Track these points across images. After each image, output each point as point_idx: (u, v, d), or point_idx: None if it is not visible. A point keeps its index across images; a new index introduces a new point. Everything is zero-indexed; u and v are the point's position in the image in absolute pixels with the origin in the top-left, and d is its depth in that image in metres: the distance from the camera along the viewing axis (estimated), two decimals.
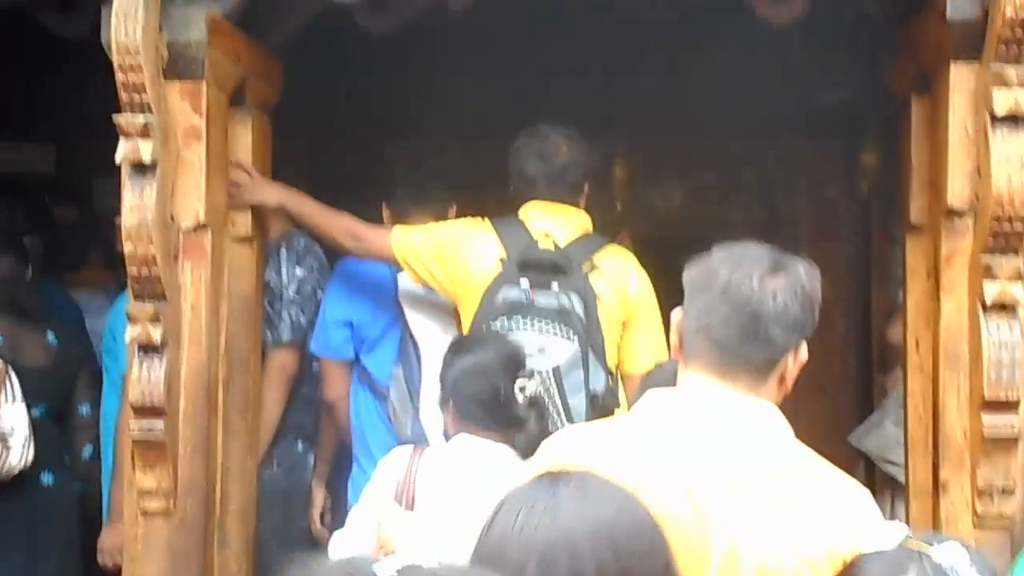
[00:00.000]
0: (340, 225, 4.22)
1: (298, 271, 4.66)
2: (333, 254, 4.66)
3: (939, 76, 3.69)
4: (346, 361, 4.53)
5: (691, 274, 2.31)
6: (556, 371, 3.66)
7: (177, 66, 3.77)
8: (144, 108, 3.60)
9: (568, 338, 3.68)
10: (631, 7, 5.44)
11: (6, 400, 4.35)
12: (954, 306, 3.70)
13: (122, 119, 3.60)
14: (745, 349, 2.22)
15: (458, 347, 3.66)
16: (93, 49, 3.90)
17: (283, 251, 4.66)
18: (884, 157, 5.76)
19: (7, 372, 4.36)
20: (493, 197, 4.67)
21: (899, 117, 4.11)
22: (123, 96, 3.60)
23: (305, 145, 5.77)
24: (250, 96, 4.18)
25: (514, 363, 3.53)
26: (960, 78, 3.57)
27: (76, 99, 5.65)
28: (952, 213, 3.66)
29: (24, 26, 4.30)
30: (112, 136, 3.72)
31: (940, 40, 3.61)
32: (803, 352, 2.28)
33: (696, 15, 5.22)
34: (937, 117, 3.76)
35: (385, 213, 4.53)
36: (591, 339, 3.70)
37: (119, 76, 3.58)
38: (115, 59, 3.57)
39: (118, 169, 3.70)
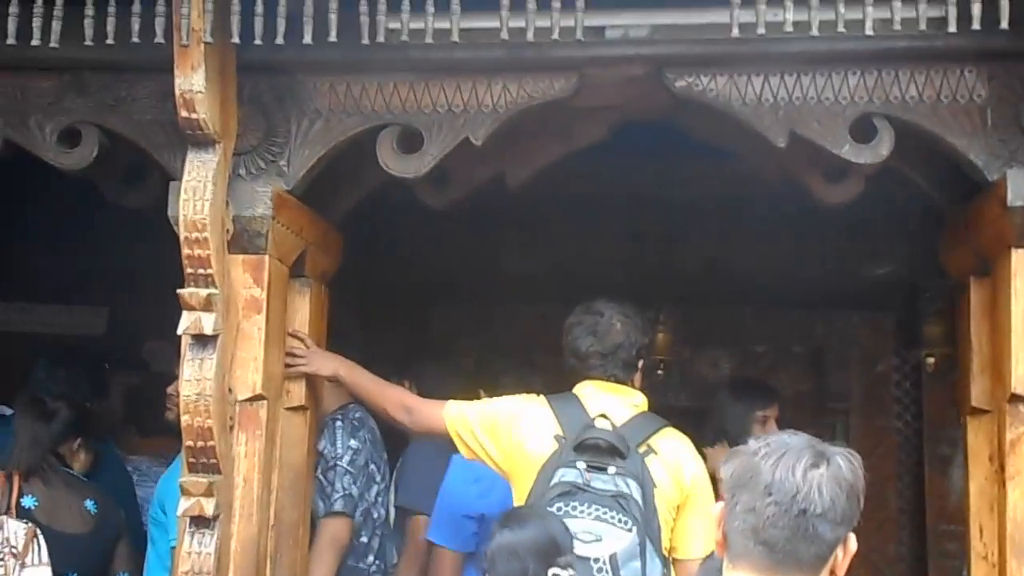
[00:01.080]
0: (393, 397, 4.21)
1: (352, 442, 4.65)
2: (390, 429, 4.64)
3: (1000, 261, 3.68)
4: (468, 553, 4.48)
5: (731, 469, 2.27)
6: (613, 559, 3.58)
7: (241, 240, 3.83)
8: (208, 282, 3.65)
9: (626, 527, 3.61)
10: (685, 184, 5.53)
11: (32, 563, 4.31)
12: (1020, 493, 3.62)
13: (186, 292, 3.65)
14: (794, 548, 2.18)
15: (503, 521, 3.61)
16: (148, 215, 4.01)
17: (339, 422, 4.66)
18: (938, 333, 5.74)
19: (35, 535, 4.33)
20: (540, 364, 4.68)
21: (958, 299, 4.09)
22: (188, 270, 3.66)
23: (356, 311, 5.82)
24: (309, 267, 4.23)
25: (552, 548, 3.46)
26: (1022, 264, 3.56)
27: (129, 263, 5.77)
28: (1016, 398, 3.61)
29: (84, 193, 4.40)
30: (164, 299, 3.78)
31: (1001, 226, 3.62)
32: (852, 543, 2.24)
33: (748, 191, 5.29)
34: (997, 301, 3.74)
35: (406, 385, 4.57)
36: (648, 527, 3.63)
37: (185, 250, 3.64)
38: (182, 234, 3.63)
39: (176, 338, 3.73)
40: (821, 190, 4.19)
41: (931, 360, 6.08)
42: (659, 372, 6.50)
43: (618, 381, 4.02)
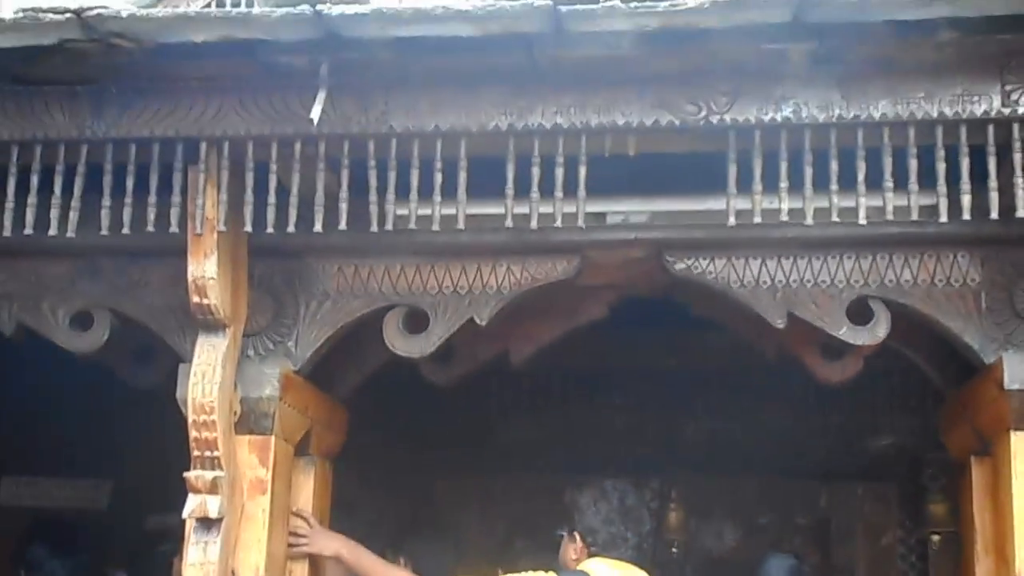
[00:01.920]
0: None
1: None
2: None
3: (999, 442, 3.72)
4: None
5: None
6: None
7: (248, 421, 3.88)
8: (214, 464, 3.68)
9: None
10: (685, 355, 5.60)
11: None
12: None
13: (192, 476, 3.68)
14: None
15: None
16: (156, 392, 4.06)
17: None
18: (942, 512, 5.72)
19: None
20: (545, 536, 4.66)
21: (959, 478, 4.11)
22: (194, 452, 3.69)
23: (358, 485, 5.81)
24: (315, 445, 4.26)
25: None
26: (1021, 446, 3.59)
27: (133, 438, 5.78)
28: None
29: (91, 368, 4.45)
30: (167, 474, 3.80)
31: (999, 408, 3.67)
32: None
33: (748, 362, 5.34)
34: (999, 482, 3.76)
35: (400, 563, 4.55)
36: None
37: (192, 433, 3.68)
38: (190, 416, 3.68)
39: (179, 518, 3.74)
40: (820, 369, 4.26)
41: (936, 538, 6.04)
42: (673, 551, 6.41)
43: (628, 561, 4.03)
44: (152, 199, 3.55)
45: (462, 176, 3.57)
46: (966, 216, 3.32)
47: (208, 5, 5.50)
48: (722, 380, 5.89)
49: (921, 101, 3.40)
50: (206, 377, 3.68)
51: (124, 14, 3.20)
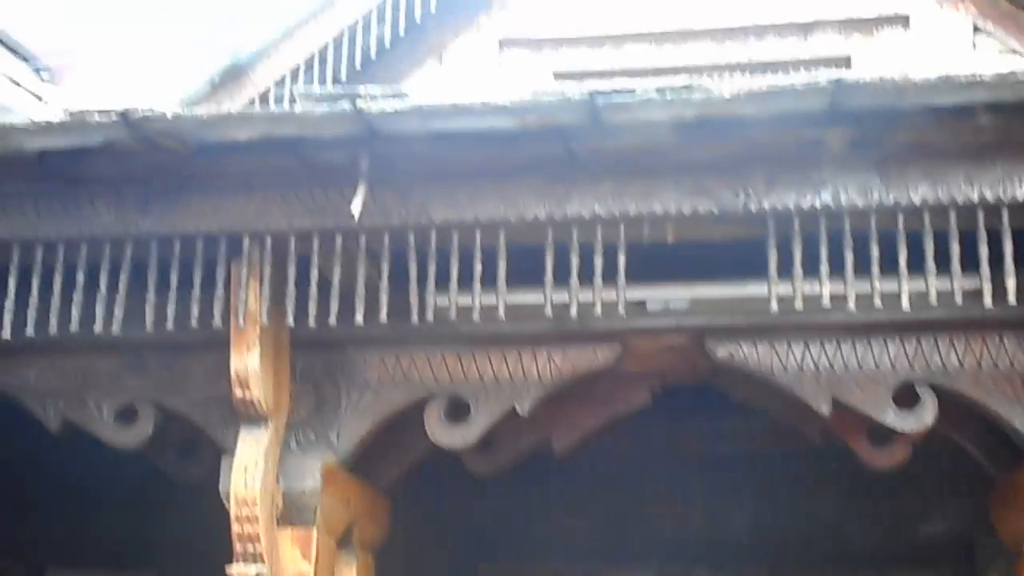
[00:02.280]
0: None
1: None
2: None
3: None
4: None
5: None
6: None
7: (290, 513, 3.86)
8: (256, 558, 3.67)
9: None
10: (727, 440, 5.54)
11: None
12: None
13: (235, 569, 3.66)
14: None
15: None
16: (196, 485, 4.06)
17: None
18: None
19: None
20: None
21: (1013, 562, 4.02)
22: (237, 546, 3.68)
23: (400, 569, 5.76)
24: (357, 537, 4.24)
25: None
26: None
27: (177, 531, 5.77)
28: None
29: (135, 465, 4.46)
30: (210, 568, 3.78)
31: None
32: None
33: (791, 447, 5.28)
34: None
35: None
36: None
37: (235, 527, 3.68)
38: (232, 510, 3.67)
39: None
40: (867, 454, 4.19)
41: None
42: None
43: None
44: (196, 294, 3.59)
45: (501, 266, 3.59)
46: (1011, 300, 3.29)
47: (252, 102, 5.61)
48: (767, 466, 5.81)
49: (961, 184, 3.39)
50: (248, 470, 3.68)
51: (169, 115, 3.27)
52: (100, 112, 3.24)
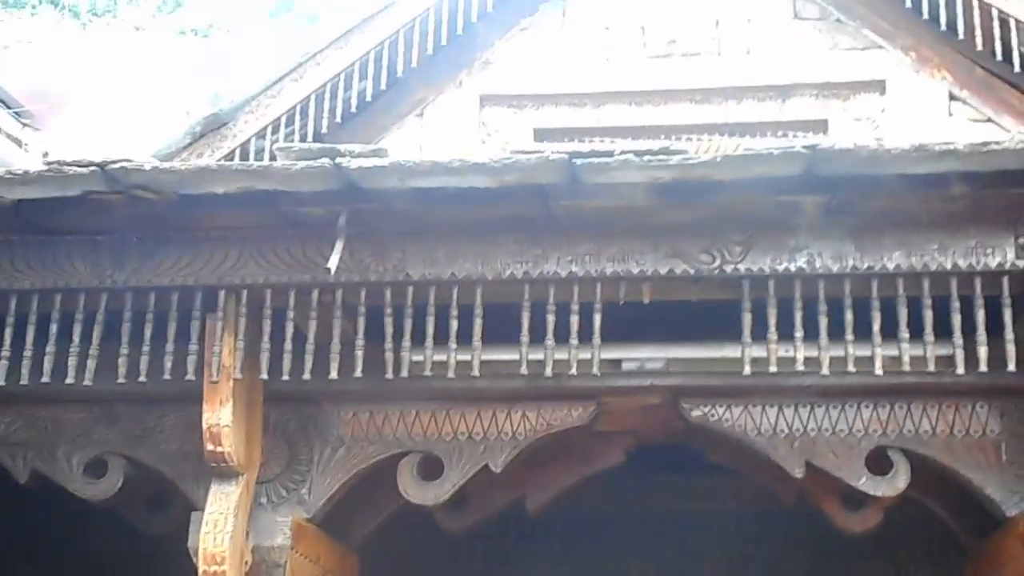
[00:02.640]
0: None
1: None
2: None
3: None
4: None
5: None
6: None
7: (259, 570, 3.83)
8: None
9: None
10: (700, 500, 5.52)
11: None
12: None
13: None
14: None
15: None
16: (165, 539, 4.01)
17: None
18: None
19: None
20: None
21: None
22: None
23: None
24: None
25: None
26: None
27: None
28: None
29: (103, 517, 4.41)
30: None
31: (1021, 564, 3.59)
32: None
33: (765, 507, 5.27)
34: None
35: None
36: None
37: None
38: (200, 566, 3.63)
39: None
40: (840, 518, 4.19)
41: None
42: None
43: None
44: (169, 347, 3.57)
45: (477, 323, 3.59)
46: (983, 368, 3.31)
47: (229, 156, 5.62)
48: (740, 526, 5.79)
49: (935, 253, 3.42)
50: (218, 526, 3.64)
51: (147, 167, 3.27)
52: (78, 163, 3.23)
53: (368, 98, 5.95)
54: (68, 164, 3.23)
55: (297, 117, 5.81)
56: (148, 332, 3.58)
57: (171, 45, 14.19)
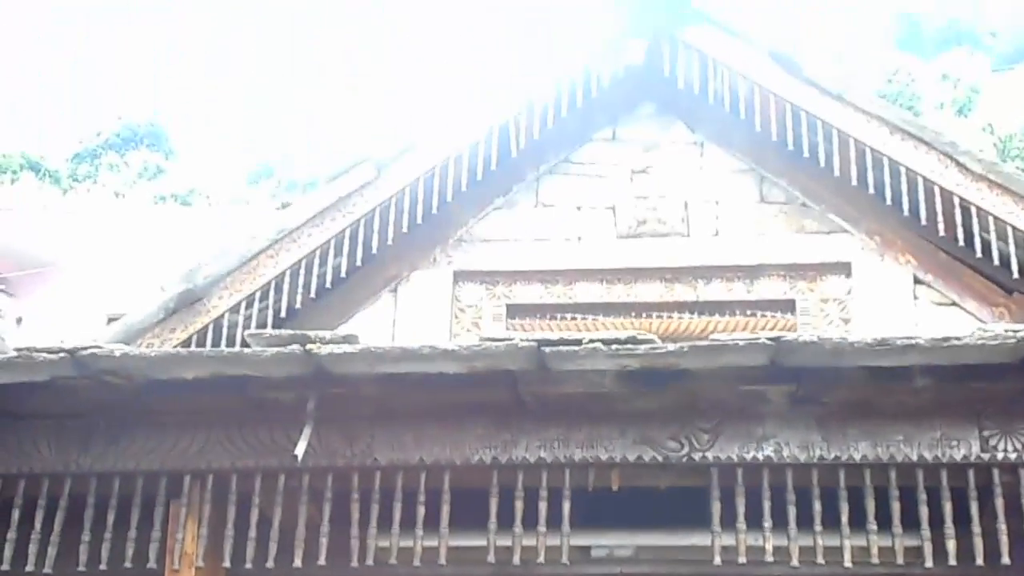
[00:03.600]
0: None
1: None
2: None
3: None
4: None
5: None
6: None
7: None
8: None
9: None
10: None
11: None
12: None
13: None
14: None
15: None
16: None
17: None
18: None
19: None
20: None
21: None
22: None
23: None
24: None
25: None
26: None
27: None
28: None
29: None
30: None
31: None
32: None
33: None
34: None
35: None
36: None
37: None
38: None
39: None
40: None
41: None
42: None
43: None
44: (132, 533, 3.52)
45: (445, 509, 3.57)
46: (952, 561, 3.30)
47: (203, 331, 5.64)
48: None
49: (901, 444, 3.45)
50: None
51: (117, 353, 3.28)
52: (48, 349, 3.25)
53: (343, 274, 6.01)
54: (38, 350, 3.25)
55: (272, 293, 5.85)
56: (111, 518, 3.54)
57: (150, 212, 14.38)
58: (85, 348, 3.26)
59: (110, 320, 11.48)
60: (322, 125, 29.66)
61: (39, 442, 3.58)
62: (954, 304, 5.82)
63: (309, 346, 3.38)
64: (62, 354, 3.25)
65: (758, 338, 3.33)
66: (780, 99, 5.92)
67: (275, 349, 3.38)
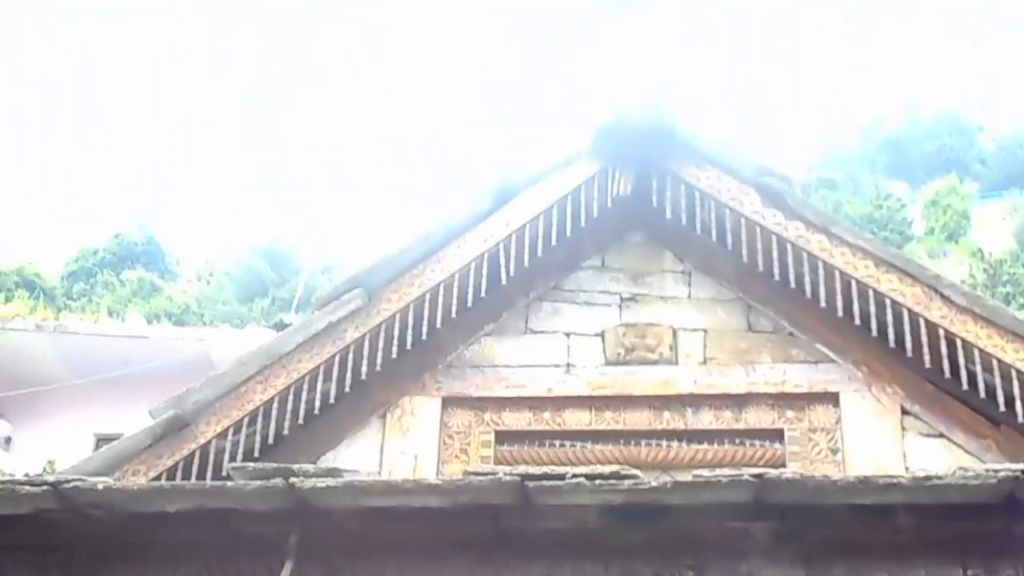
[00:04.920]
0: None
1: None
2: None
3: None
4: None
5: None
6: None
7: None
8: None
9: None
10: None
11: None
12: None
13: None
14: None
15: None
16: None
17: None
18: None
19: None
20: None
21: None
22: None
23: None
24: None
25: None
26: None
27: None
28: None
29: None
30: None
31: None
32: None
33: None
34: None
35: None
36: None
37: None
38: None
39: None
40: None
41: None
42: None
43: None
44: None
45: None
46: None
47: (189, 457, 5.62)
48: None
49: None
50: None
51: (100, 486, 3.28)
52: (31, 482, 3.24)
53: (332, 400, 5.99)
54: (20, 483, 3.24)
55: (260, 419, 5.84)
56: None
57: (144, 330, 14.39)
58: (68, 481, 3.26)
59: (99, 440, 11.45)
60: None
61: (20, 575, 3.55)
62: (942, 435, 5.82)
63: (292, 479, 3.38)
64: (45, 487, 3.25)
65: (741, 475, 3.35)
66: (766, 230, 6.00)
67: (258, 483, 3.38)
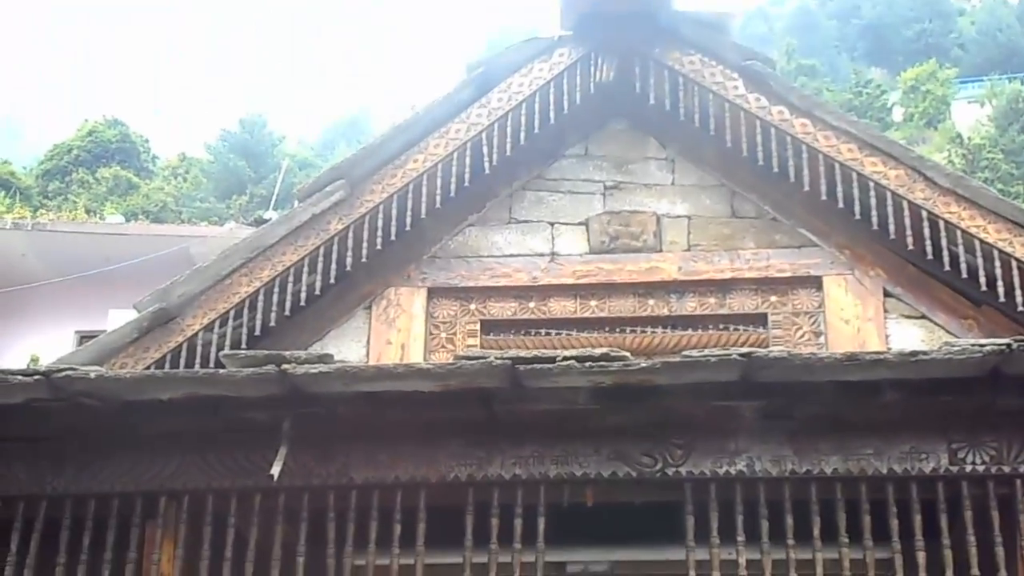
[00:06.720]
0: None
1: None
2: None
3: None
4: None
5: None
6: None
7: None
8: None
9: None
10: None
11: None
12: None
13: None
14: None
15: None
16: None
17: None
18: None
19: None
20: None
21: None
22: None
23: None
24: None
25: None
26: None
27: None
28: None
29: None
30: None
31: None
32: None
33: None
34: None
35: None
36: None
37: None
38: None
39: None
40: None
41: None
42: None
43: None
44: (108, 555, 3.52)
45: (420, 527, 3.59)
46: (922, 573, 3.34)
47: (176, 350, 5.63)
48: None
49: (871, 458, 3.49)
50: None
51: (92, 374, 3.29)
52: (23, 372, 3.25)
53: (317, 292, 5.99)
54: (12, 373, 3.24)
55: (246, 311, 5.83)
56: (87, 540, 3.53)
57: (123, 228, 14.34)
58: (60, 370, 3.26)
59: (81, 338, 11.45)
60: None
61: (13, 465, 3.57)
62: (924, 317, 5.86)
63: (284, 366, 3.39)
64: (37, 376, 3.25)
65: (730, 354, 3.37)
66: (750, 115, 5.97)
67: (250, 369, 3.39)
